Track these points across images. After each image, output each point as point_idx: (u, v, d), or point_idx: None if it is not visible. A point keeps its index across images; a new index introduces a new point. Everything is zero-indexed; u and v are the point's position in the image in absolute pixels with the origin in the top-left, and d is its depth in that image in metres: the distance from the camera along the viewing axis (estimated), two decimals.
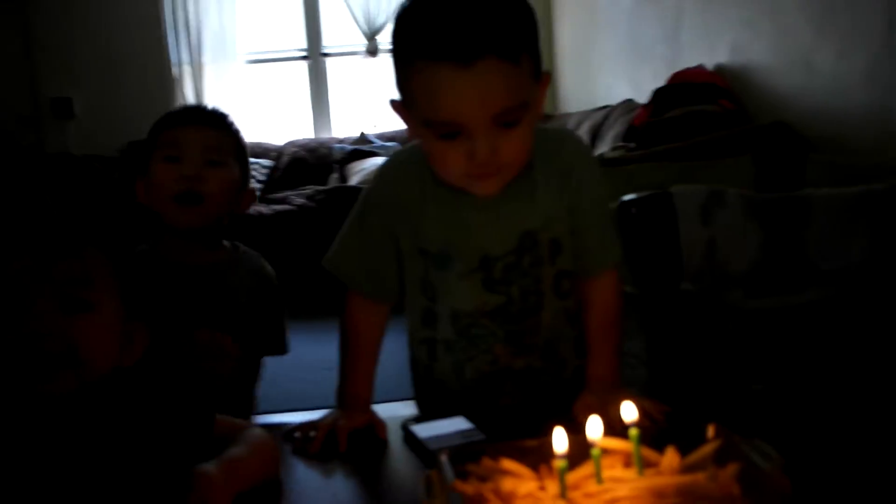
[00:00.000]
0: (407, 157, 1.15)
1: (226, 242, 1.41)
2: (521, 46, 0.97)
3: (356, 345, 1.16)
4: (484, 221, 1.09)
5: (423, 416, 1.16)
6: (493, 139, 0.97)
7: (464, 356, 1.15)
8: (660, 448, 0.77)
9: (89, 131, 5.02)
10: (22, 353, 0.82)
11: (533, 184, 1.09)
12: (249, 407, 1.46)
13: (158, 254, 1.34)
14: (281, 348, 1.45)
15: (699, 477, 0.72)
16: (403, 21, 1.00)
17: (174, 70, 5.26)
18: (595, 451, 0.73)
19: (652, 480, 0.72)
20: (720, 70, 3.13)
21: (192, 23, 5.24)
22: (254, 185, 4.93)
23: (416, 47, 0.97)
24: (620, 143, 3.04)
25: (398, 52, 1.00)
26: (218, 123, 1.37)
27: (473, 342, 1.14)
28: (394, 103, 1.06)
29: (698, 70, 3.14)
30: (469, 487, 0.75)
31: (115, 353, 0.89)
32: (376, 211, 1.15)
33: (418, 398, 1.25)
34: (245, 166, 1.40)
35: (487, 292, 1.11)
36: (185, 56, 5.25)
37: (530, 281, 1.12)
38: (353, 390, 1.13)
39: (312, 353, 3.56)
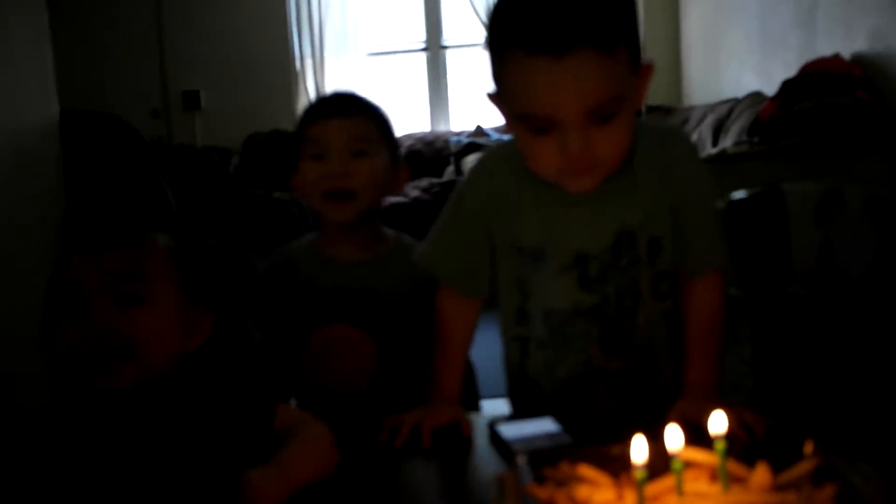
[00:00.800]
0: (502, 153, 1.13)
1: (390, 232, 1.36)
2: (618, 37, 0.94)
3: (447, 341, 1.15)
4: (579, 218, 1.06)
5: (514, 416, 1.14)
6: (587, 134, 0.94)
7: (556, 356, 1.12)
8: (753, 464, 0.72)
9: (214, 123, 5.26)
10: (80, 348, 0.84)
11: (633, 179, 1.05)
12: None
13: (316, 247, 1.34)
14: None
15: (790, 497, 0.67)
16: (498, 12, 0.98)
17: (297, 64, 5.43)
18: (676, 463, 0.69)
19: (737, 497, 0.68)
20: (858, 59, 2.93)
21: (315, 18, 5.39)
22: None
23: (509, 38, 0.95)
24: (744, 138, 2.90)
25: (493, 43, 0.99)
26: (359, 110, 1.33)
27: (567, 342, 1.11)
28: (491, 96, 1.04)
29: (833, 59, 2.95)
30: (543, 492, 0.73)
31: (176, 342, 0.90)
32: (472, 206, 1.13)
33: (511, 396, 1.23)
34: (394, 146, 1.36)
35: (583, 291, 1.09)
36: (307, 50, 5.42)
37: (627, 281, 1.08)
38: (442, 386, 1.13)
39: None
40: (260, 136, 5.09)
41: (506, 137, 4.58)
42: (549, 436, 0.98)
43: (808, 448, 0.72)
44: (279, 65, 5.36)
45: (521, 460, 0.79)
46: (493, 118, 5.37)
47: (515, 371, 1.18)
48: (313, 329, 1.28)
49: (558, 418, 1.02)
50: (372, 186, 1.28)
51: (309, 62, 5.43)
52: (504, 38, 0.96)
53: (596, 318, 1.09)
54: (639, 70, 0.99)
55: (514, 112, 0.98)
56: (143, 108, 5.17)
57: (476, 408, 1.37)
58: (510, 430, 1.00)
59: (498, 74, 0.99)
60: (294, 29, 5.41)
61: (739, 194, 1.32)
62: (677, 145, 1.09)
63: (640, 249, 1.07)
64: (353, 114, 1.31)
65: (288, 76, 5.40)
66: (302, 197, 1.34)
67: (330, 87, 5.45)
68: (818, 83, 2.75)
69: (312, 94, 5.44)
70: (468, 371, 1.34)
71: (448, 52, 5.56)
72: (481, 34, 5.37)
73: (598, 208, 1.05)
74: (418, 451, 1.00)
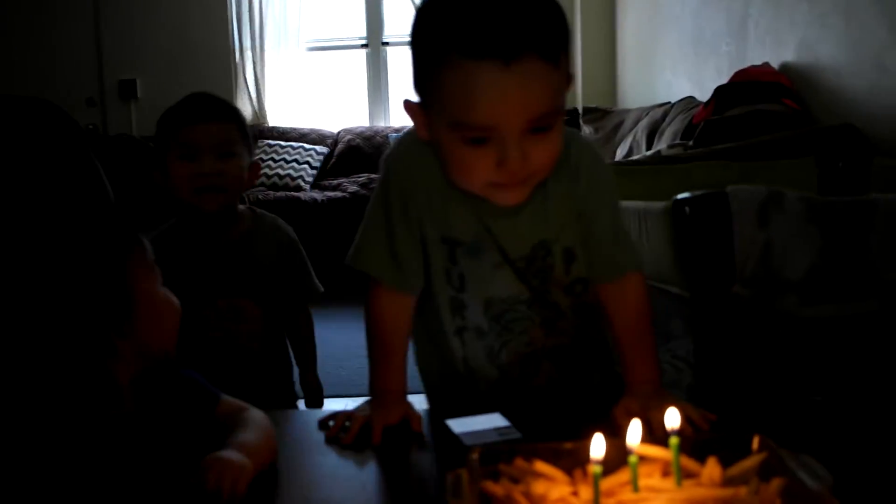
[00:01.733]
0: (422, 146, 1.07)
1: (242, 207, 1.53)
2: (560, 47, 0.92)
3: (386, 339, 1.13)
4: (502, 229, 1.07)
5: (460, 411, 1.14)
6: (525, 145, 0.92)
7: (498, 341, 1.14)
8: (702, 458, 0.74)
9: (151, 114, 5.12)
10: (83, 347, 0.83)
11: (545, 192, 1.06)
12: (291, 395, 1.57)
13: (185, 230, 1.49)
14: (313, 293, 1.57)
15: (740, 491, 0.69)
16: (435, 14, 0.94)
17: (236, 56, 5.35)
18: (632, 459, 0.70)
19: (690, 492, 0.69)
20: (786, 69, 3.04)
21: (256, 10, 5.33)
22: (308, 171, 5.04)
23: (450, 43, 0.90)
24: (678, 141, 2.97)
25: (425, 47, 0.95)
26: (225, 116, 1.48)
27: (508, 327, 1.13)
28: (408, 104, 1.01)
29: (763, 68, 3.05)
30: (499, 488, 0.73)
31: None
32: (399, 197, 1.09)
33: (442, 391, 1.22)
34: (250, 146, 1.53)
35: (521, 283, 1.11)
36: (247, 42, 5.34)
37: (540, 282, 1.11)
38: (387, 385, 1.11)
39: (357, 340, 3.60)
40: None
41: None
42: (499, 430, 0.99)
43: (756, 443, 0.74)
44: (218, 56, 5.27)
45: (474, 456, 0.79)
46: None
47: (460, 364, 1.17)
48: (200, 303, 1.42)
49: (502, 408, 1.03)
50: (238, 182, 1.46)
51: (248, 55, 5.36)
52: (444, 43, 0.91)
53: (535, 305, 1.12)
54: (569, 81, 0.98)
55: (450, 121, 0.93)
56: (78, 96, 5.02)
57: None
58: (460, 426, 1.01)
59: (429, 81, 0.95)
60: (234, 20, 5.33)
61: (684, 194, 1.34)
62: (580, 151, 1.08)
63: (555, 259, 1.10)
64: (220, 119, 1.46)
65: (227, 68, 5.32)
66: (171, 190, 1.47)
67: (269, 80, 5.38)
68: (749, 90, 2.83)
69: (252, 87, 5.36)
70: (306, 342, 1.58)
71: (389, 49, 5.55)
72: None
73: (519, 220, 1.06)
74: (368, 446, 1.00)
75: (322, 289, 1.59)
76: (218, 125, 1.45)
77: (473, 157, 0.93)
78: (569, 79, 0.96)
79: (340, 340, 2.78)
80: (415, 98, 1.01)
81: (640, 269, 1.12)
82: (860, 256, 1.24)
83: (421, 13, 0.96)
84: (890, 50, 2.43)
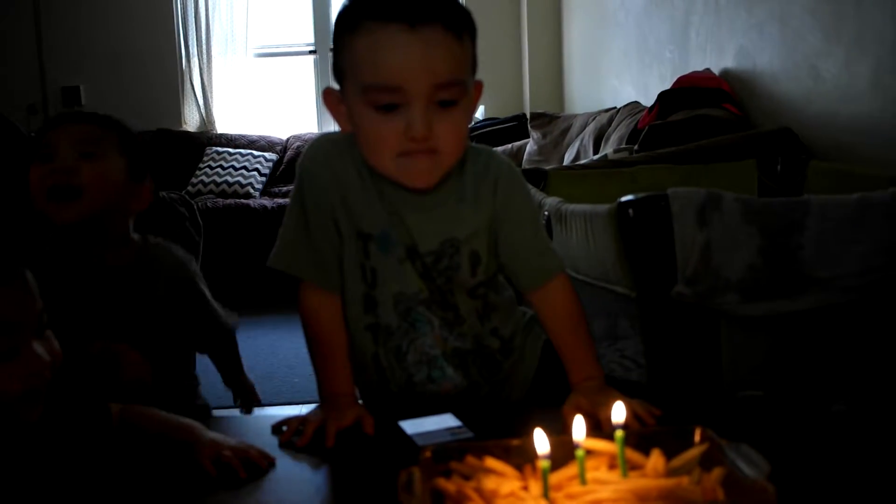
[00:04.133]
0: (338, 138, 1.12)
1: (134, 236, 1.34)
2: (465, 26, 1.01)
3: (323, 338, 1.13)
4: (415, 221, 1.10)
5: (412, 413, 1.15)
6: (430, 116, 0.99)
7: (406, 339, 1.15)
8: (647, 451, 0.76)
9: None
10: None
11: (462, 193, 1.10)
12: (201, 410, 1.40)
13: (59, 256, 1.28)
14: (221, 332, 1.43)
15: (683, 480, 0.72)
16: None
17: (183, 63, 5.29)
18: (579, 453, 0.72)
19: (635, 483, 0.71)
20: (726, 74, 3.11)
21: (202, 15, 5.27)
22: (258, 178, 5.01)
23: (363, 10, 0.99)
24: (624, 146, 3.03)
25: (342, 23, 1.02)
26: (94, 119, 1.32)
27: (414, 325, 1.15)
28: (328, 92, 1.07)
29: (704, 74, 3.12)
30: (451, 485, 0.75)
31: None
32: (313, 194, 1.12)
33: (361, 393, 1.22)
34: (136, 159, 1.32)
35: (422, 280, 1.12)
36: (193, 48, 5.28)
37: (445, 280, 1.13)
38: (334, 388, 1.11)
39: (302, 347, 3.57)
40: (145, 135, 4.92)
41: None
42: (451, 430, 1.00)
43: (697, 435, 0.77)
44: (165, 63, 5.19)
45: (426, 455, 0.81)
46: None
47: (370, 363, 1.17)
48: (77, 341, 1.19)
49: (455, 414, 1.04)
50: (99, 187, 1.25)
51: (195, 61, 5.29)
52: (356, 11, 1.00)
53: (433, 305, 1.13)
54: (474, 82, 1.05)
55: (361, 86, 1.00)
56: (20, 103, 4.89)
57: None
58: (412, 426, 1.02)
59: (344, 53, 1.02)
60: (180, 26, 5.26)
61: (628, 197, 1.38)
62: (499, 164, 1.13)
63: (462, 259, 1.12)
64: (87, 122, 1.30)
65: (174, 74, 5.25)
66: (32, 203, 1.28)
67: (217, 87, 5.33)
68: (691, 96, 2.90)
69: (199, 94, 5.30)
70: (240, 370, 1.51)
71: None
72: None
73: (432, 215, 1.10)
74: (322, 448, 1.00)
75: (234, 324, 1.44)
76: (81, 125, 1.29)
77: (383, 125, 1.00)
78: (474, 81, 1.04)
79: (291, 347, 2.77)
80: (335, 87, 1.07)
81: (562, 270, 1.15)
82: (795, 256, 1.29)
83: None
84: (823, 57, 2.51)
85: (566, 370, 1.11)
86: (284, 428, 1.06)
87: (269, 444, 1.02)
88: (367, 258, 1.12)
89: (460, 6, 1.02)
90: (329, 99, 1.08)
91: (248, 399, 1.56)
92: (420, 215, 1.09)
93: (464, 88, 1.02)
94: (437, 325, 1.14)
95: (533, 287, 1.14)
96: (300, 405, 1.13)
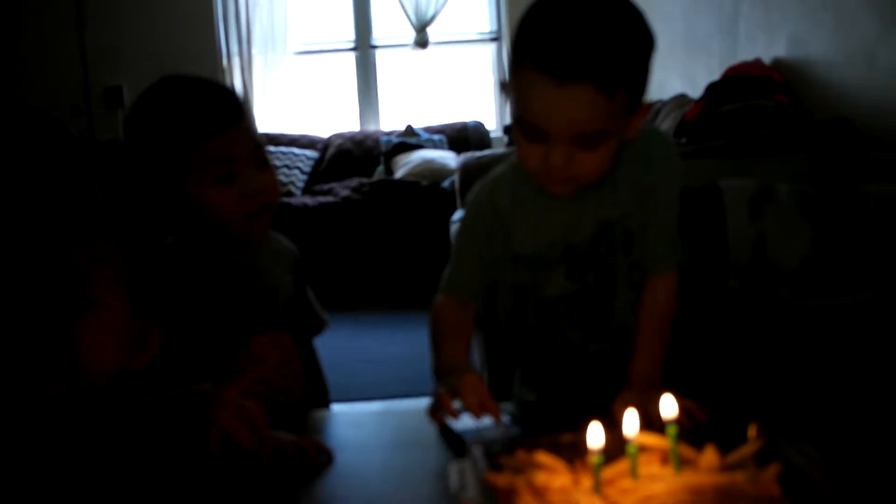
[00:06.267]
0: (500, 175, 1.19)
1: None
2: (620, 83, 0.99)
3: (455, 339, 1.14)
4: (567, 212, 1.13)
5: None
6: (570, 152, 1.01)
7: (546, 342, 1.20)
8: (700, 447, 0.75)
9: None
10: (14, 358, 0.78)
11: (613, 180, 1.12)
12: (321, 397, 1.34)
13: (191, 249, 1.19)
14: (319, 324, 1.35)
15: (738, 477, 0.70)
16: (527, 20, 1.03)
17: (223, 61, 5.34)
18: (631, 448, 0.71)
19: (689, 478, 0.70)
20: (777, 64, 3.05)
21: (243, 14, 5.31)
22: (299, 176, 5.05)
23: (525, 48, 1.01)
24: (672, 139, 2.98)
25: (515, 45, 1.04)
26: (242, 108, 1.16)
27: (553, 327, 1.18)
28: (503, 84, 1.10)
29: (755, 64, 3.06)
30: (502, 480, 0.74)
31: (120, 357, 0.85)
32: (474, 222, 1.19)
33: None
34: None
35: (567, 281, 1.16)
36: (234, 47, 5.33)
37: (605, 269, 1.16)
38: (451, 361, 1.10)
39: (351, 345, 3.58)
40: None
41: (436, 138, 4.61)
42: (500, 426, 0.99)
43: (752, 431, 0.76)
44: (205, 62, 5.24)
45: (476, 449, 0.80)
46: (422, 118, 5.39)
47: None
48: (219, 339, 1.14)
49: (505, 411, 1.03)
50: (277, 190, 1.18)
51: (236, 60, 5.35)
52: (521, 46, 1.02)
53: (577, 304, 1.17)
54: (637, 110, 1.04)
55: (516, 113, 1.04)
56: (64, 104, 4.97)
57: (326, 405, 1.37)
58: (460, 423, 1.01)
59: (511, 73, 1.05)
60: (221, 25, 5.32)
61: None
62: (657, 148, 1.16)
63: (617, 240, 1.15)
64: (242, 117, 1.14)
65: (214, 73, 5.29)
66: (200, 221, 1.15)
67: (258, 85, 5.37)
68: (741, 86, 2.84)
69: (240, 92, 5.35)
70: (320, 376, 1.36)
71: (378, 52, 5.56)
72: (410, 34, 5.39)
73: (582, 205, 1.13)
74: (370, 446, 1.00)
75: (326, 319, 1.36)
76: (243, 123, 1.13)
77: (529, 147, 1.04)
78: (640, 109, 1.04)
79: (337, 345, 2.79)
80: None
81: (678, 270, 1.17)
82: (851, 248, 1.26)
83: (525, 14, 1.04)
84: (880, 43, 2.44)
85: (632, 359, 1.12)
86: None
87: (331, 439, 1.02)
88: (517, 278, 1.18)
89: (618, 61, 0.99)
90: (504, 89, 1.10)
91: (323, 397, 1.41)
92: (573, 204, 1.12)
93: (610, 133, 1.02)
94: (576, 324, 1.18)
95: (650, 272, 1.16)
96: (353, 402, 1.14)
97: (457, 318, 1.17)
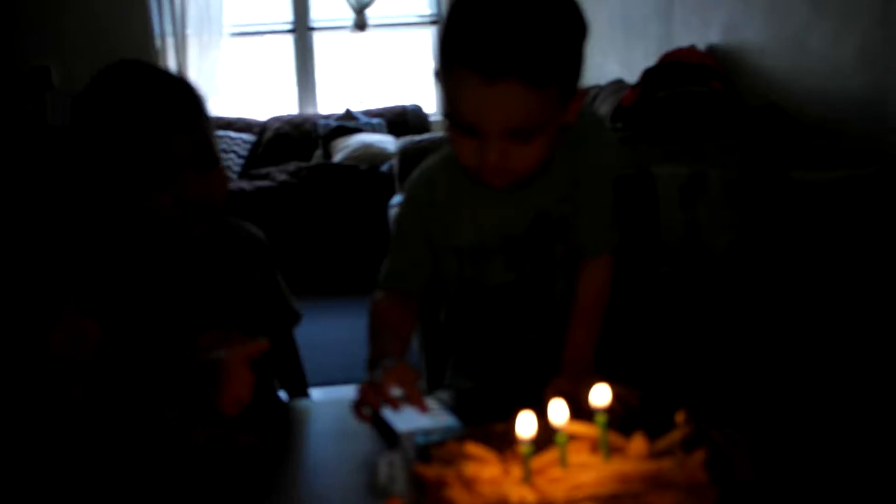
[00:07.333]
0: (435, 166, 1.19)
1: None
2: (552, 75, 0.98)
3: (391, 333, 1.14)
4: (504, 203, 1.13)
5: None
6: (505, 147, 1.00)
7: (487, 331, 1.20)
8: (630, 434, 0.75)
9: (67, 103, 4.90)
10: None
11: (549, 167, 1.11)
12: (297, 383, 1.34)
13: (128, 235, 1.15)
14: (293, 316, 1.34)
15: (665, 463, 0.70)
16: (454, 15, 1.01)
17: (156, 42, 5.19)
18: (560, 437, 0.71)
19: (617, 466, 0.70)
20: (712, 50, 3.10)
21: None
22: (235, 160, 4.95)
23: (453, 47, 0.99)
24: (609, 124, 3.00)
25: (443, 41, 1.02)
26: (190, 110, 1.12)
27: (495, 317, 1.18)
28: (437, 73, 1.07)
29: (689, 50, 3.10)
30: (431, 471, 0.73)
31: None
32: (412, 217, 1.19)
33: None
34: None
35: (507, 271, 1.16)
36: (168, 27, 5.17)
37: (542, 258, 1.16)
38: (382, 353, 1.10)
39: (316, 330, 3.54)
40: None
41: (374, 121, 4.53)
42: (433, 416, 0.98)
43: (680, 417, 0.76)
44: (138, 43, 5.08)
45: (406, 441, 0.79)
46: (361, 101, 5.34)
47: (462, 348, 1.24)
48: (163, 327, 1.12)
49: (439, 401, 1.02)
50: (222, 194, 1.15)
51: (170, 41, 5.19)
52: (449, 43, 1.00)
53: (516, 293, 1.17)
54: (573, 96, 1.03)
55: (447, 107, 1.03)
56: None
57: (305, 394, 1.37)
58: (393, 414, 1.00)
59: (441, 66, 1.03)
60: (154, 4, 5.16)
61: None
62: (592, 131, 1.15)
63: (553, 228, 1.15)
64: (189, 117, 1.12)
65: (147, 55, 5.14)
66: (135, 218, 1.11)
67: (192, 67, 5.23)
68: (676, 72, 2.87)
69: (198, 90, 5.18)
70: (299, 368, 1.37)
71: (316, 34, 5.47)
72: (349, 16, 5.32)
73: (519, 195, 1.13)
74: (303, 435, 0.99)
75: (301, 315, 1.34)
76: (191, 128, 1.10)
77: (463, 142, 1.03)
78: (575, 95, 1.03)
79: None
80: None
81: (613, 252, 1.17)
82: (778, 234, 1.28)
83: (451, 9, 1.02)
84: (810, 30, 2.49)
85: (565, 344, 1.12)
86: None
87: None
88: (461, 270, 1.17)
89: (547, 55, 0.97)
90: (437, 78, 1.07)
91: (300, 388, 1.38)
92: (511, 196, 1.11)
93: (545, 125, 1.01)
94: (517, 313, 1.18)
95: (584, 255, 1.16)
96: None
97: (395, 313, 1.17)
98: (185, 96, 1.13)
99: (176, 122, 1.09)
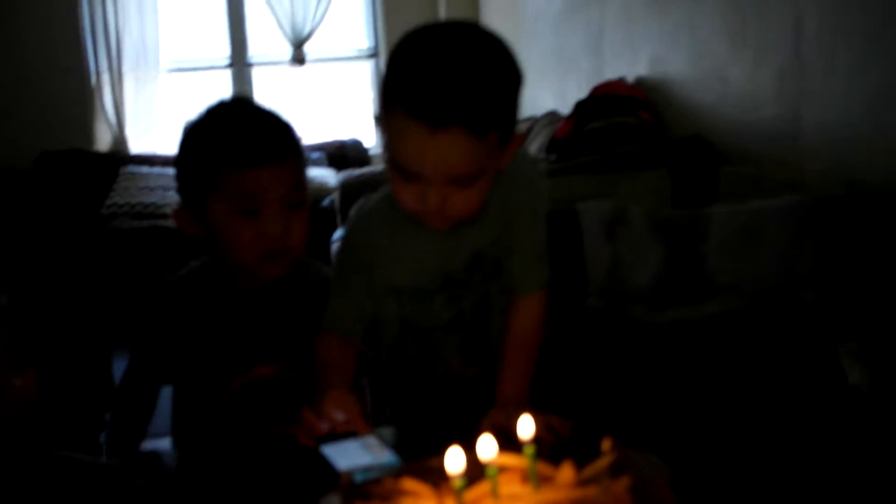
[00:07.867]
0: (374, 208, 1.20)
1: None
2: (492, 123, 1.00)
3: (334, 370, 1.14)
4: (442, 244, 1.15)
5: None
6: (445, 193, 1.02)
7: (426, 369, 1.22)
8: (560, 462, 0.78)
9: (3, 141, 4.80)
10: None
11: (485, 209, 1.13)
12: None
13: (210, 275, 1.25)
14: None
15: (592, 490, 0.74)
16: (396, 62, 1.02)
17: (92, 79, 5.12)
18: (490, 469, 0.74)
19: (546, 495, 0.73)
20: (640, 82, 3.20)
21: (112, 28, 5.09)
22: (174, 196, 4.82)
23: (395, 94, 1.00)
24: (542, 156, 3.08)
25: (385, 87, 1.03)
26: (291, 150, 1.18)
27: (434, 354, 1.20)
28: (377, 118, 1.08)
29: (619, 83, 3.21)
30: None
31: None
32: (351, 261, 1.19)
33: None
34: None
35: (445, 309, 1.18)
36: (104, 64, 5.11)
37: (480, 295, 1.18)
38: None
39: None
40: (54, 155, 4.74)
41: (314, 155, 4.51)
42: (373, 453, 1.00)
43: (606, 444, 0.80)
44: (73, 78, 4.99)
45: (345, 480, 0.81)
46: (301, 136, 5.33)
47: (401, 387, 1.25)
48: (230, 368, 1.18)
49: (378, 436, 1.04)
50: (304, 238, 1.19)
51: (106, 77, 5.12)
52: (391, 90, 1.01)
53: (454, 331, 1.19)
54: (509, 142, 1.06)
55: (390, 156, 1.04)
56: None
57: None
58: (333, 450, 1.01)
59: (383, 112, 1.04)
60: (89, 40, 5.09)
61: None
62: (521, 170, 1.17)
63: (489, 267, 1.17)
64: (287, 157, 1.16)
65: (83, 91, 5.06)
66: (230, 253, 1.18)
67: (129, 104, 5.17)
68: (606, 104, 2.97)
69: (111, 112, 5.14)
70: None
71: (254, 69, 5.47)
72: (287, 51, 5.34)
73: (457, 236, 1.15)
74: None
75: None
76: (285, 166, 1.14)
77: (404, 187, 1.05)
78: (512, 140, 1.06)
79: None
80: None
81: (545, 288, 1.19)
82: (697, 265, 1.34)
83: (393, 54, 1.03)
84: (731, 64, 2.61)
85: (498, 380, 1.15)
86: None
87: None
88: (401, 309, 1.18)
89: (488, 103, 0.99)
90: (378, 123, 1.08)
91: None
92: (450, 236, 1.13)
93: (485, 171, 1.04)
94: (456, 350, 1.20)
95: (518, 294, 1.18)
96: None
97: (337, 353, 1.17)
98: (285, 133, 1.20)
99: (267, 154, 1.14)
